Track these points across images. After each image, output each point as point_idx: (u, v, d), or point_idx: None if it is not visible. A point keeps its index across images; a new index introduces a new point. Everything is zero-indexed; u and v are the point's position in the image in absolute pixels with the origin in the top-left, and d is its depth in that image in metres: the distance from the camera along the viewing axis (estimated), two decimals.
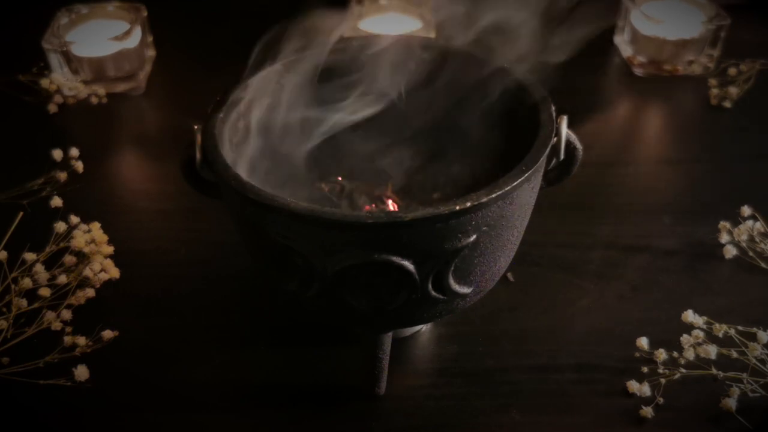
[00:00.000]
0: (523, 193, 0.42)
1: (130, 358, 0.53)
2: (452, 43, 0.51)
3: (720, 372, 0.50)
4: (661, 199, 0.67)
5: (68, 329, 0.54)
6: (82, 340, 0.53)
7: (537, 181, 0.44)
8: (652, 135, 0.76)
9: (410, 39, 0.53)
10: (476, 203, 0.39)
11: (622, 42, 0.85)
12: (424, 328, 0.55)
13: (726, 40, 0.79)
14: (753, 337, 0.51)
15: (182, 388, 0.51)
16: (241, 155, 0.48)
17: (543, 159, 0.42)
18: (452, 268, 0.41)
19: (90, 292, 0.57)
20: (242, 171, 0.44)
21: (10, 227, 0.58)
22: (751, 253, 0.59)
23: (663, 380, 0.50)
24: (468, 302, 0.45)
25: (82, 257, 0.58)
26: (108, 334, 0.53)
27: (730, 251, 0.59)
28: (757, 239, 0.59)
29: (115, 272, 0.58)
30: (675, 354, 0.51)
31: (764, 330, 0.51)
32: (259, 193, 0.40)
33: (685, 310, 0.53)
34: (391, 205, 0.54)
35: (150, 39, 0.83)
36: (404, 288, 0.41)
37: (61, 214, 0.62)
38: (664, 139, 0.76)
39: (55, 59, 0.77)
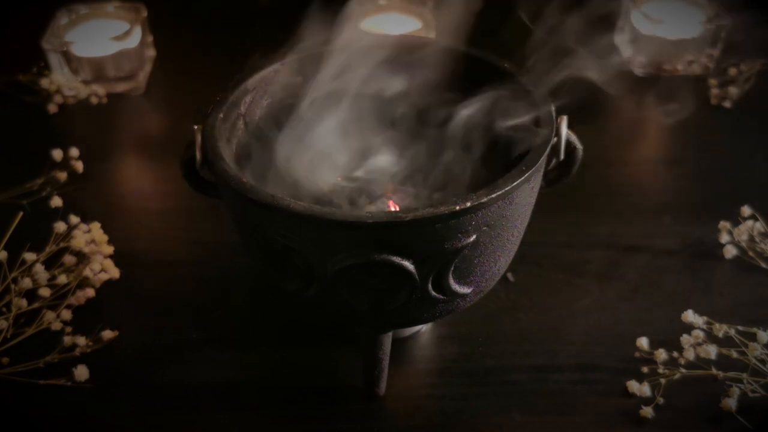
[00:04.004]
0: (523, 193, 0.42)
1: (130, 358, 0.53)
2: (452, 43, 0.51)
3: (720, 372, 0.50)
4: (661, 199, 0.67)
5: (68, 329, 0.54)
6: (82, 340, 0.53)
7: (537, 181, 0.44)
8: (652, 135, 0.76)
9: (410, 39, 0.53)
10: (476, 203, 0.39)
11: (622, 42, 0.84)
12: (424, 328, 0.55)
13: (726, 40, 0.79)
14: (753, 337, 0.51)
15: (182, 388, 0.51)
16: (241, 155, 0.48)
17: (543, 159, 0.42)
18: (452, 268, 0.41)
19: (90, 292, 0.57)
20: (242, 171, 0.44)
21: (10, 227, 0.58)
22: (751, 253, 0.59)
23: (663, 380, 0.50)
24: (468, 302, 0.45)
25: (82, 257, 0.58)
26: (108, 334, 0.53)
27: (730, 251, 0.59)
28: (757, 239, 0.59)
29: (115, 272, 0.58)
30: (675, 354, 0.51)
31: (764, 330, 0.51)
32: (259, 193, 0.40)
33: (685, 310, 0.53)
34: (391, 205, 0.54)
35: (150, 39, 0.83)
36: (404, 288, 0.41)
37: (61, 214, 0.62)
38: (664, 139, 0.76)
39: (55, 59, 0.77)
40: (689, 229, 0.63)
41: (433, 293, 0.42)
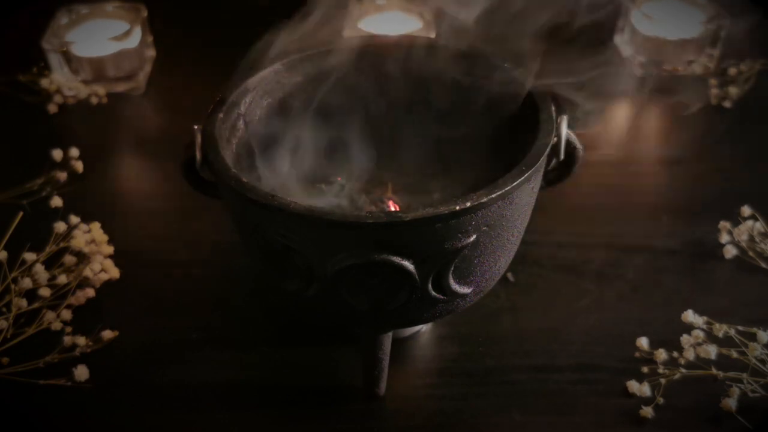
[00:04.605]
0: (523, 193, 0.42)
1: (130, 358, 0.53)
2: (452, 43, 0.51)
3: (720, 372, 0.50)
4: (661, 199, 0.67)
5: (68, 329, 0.54)
6: (82, 340, 0.53)
7: (537, 181, 0.44)
8: (653, 135, 0.76)
9: (410, 39, 0.53)
10: (476, 203, 0.39)
11: (622, 42, 0.85)
12: (424, 328, 0.55)
13: (726, 40, 0.80)
14: (753, 337, 0.51)
15: (182, 388, 0.51)
16: (241, 155, 0.48)
17: (543, 159, 0.42)
18: (452, 268, 0.41)
19: (90, 292, 0.57)
20: (242, 171, 0.44)
21: (10, 227, 0.58)
22: (751, 253, 0.59)
23: (663, 380, 0.50)
24: (468, 302, 0.45)
25: (82, 257, 0.58)
26: (108, 334, 0.53)
27: (730, 251, 0.59)
28: (757, 239, 0.59)
29: (115, 272, 0.58)
30: (675, 354, 0.51)
31: (764, 330, 0.51)
32: (259, 193, 0.40)
33: (685, 310, 0.53)
34: (391, 205, 0.54)
35: (150, 39, 0.83)
36: (404, 288, 0.41)
37: (61, 214, 0.62)
38: (664, 139, 0.76)
39: (55, 59, 0.77)
40: (689, 229, 0.63)
41: (433, 293, 0.42)
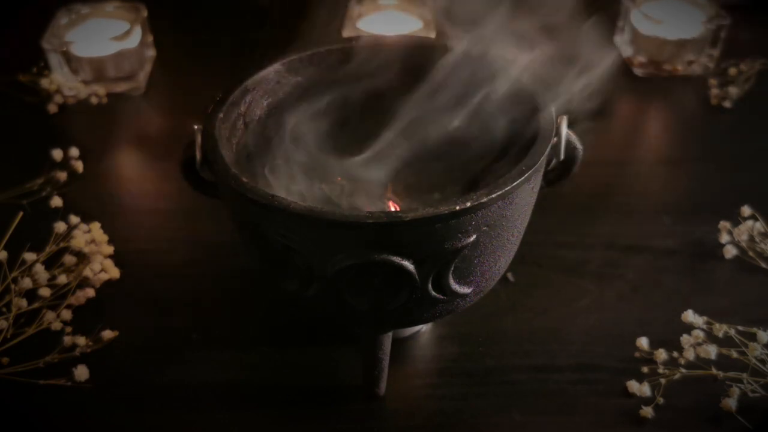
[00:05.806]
0: (523, 193, 0.42)
1: (130, 358, 0.53)
2: (452, 43, 0.51)
3: (720, 372, 0.50)
4: (661, 199, 0.67)
5: (68, 329, 0.54)
6: (82, 340, 0.53)
7: (537, 181, 0.44)
8: (652, 135, 0.76)
9: (410, 39, 0.53)
10: (476, 203, 0.39)
11: (622, 42, 0.85)
12: (424, 328, 0.55)
13: (726, 40, 0.80)
14: (753, 337, 0.51)
15: (182, 388, 0.51)
16: (241, 155, 0.48)
17: (543, 159, 0.42)
18: (452, 268, 0.41)
19: (90, 292, 0.57)
20: (242, 171, 0.44)
21: (10, 227, 0.58)
22: (751, 253, 0.59)
23: (663, 380, 0.50)
24: (468, 302, 0.45)
25: (82, 257, 0.58)
26: (108, 334, 0.53)
27: (730, 251, 0.59)
28: (757, 239, 0.59)
29: (115, 272, 0.58)
30: (675, 354, 0.51)
31: (764, 330, 0.51)
32: (259, 193, 0.40)
33: (685, 310, 0.53)
34: (391, 205, 0.54)
35: (150, 39, 0.83)
36: (404, 288, 0.41)
37: (61, 214, 0.62)
38: (664, 139, 0.76)
39: (55, 59, 0.77)
40: (689, 229, 0.63)
41: (433, 293, 0.42)
